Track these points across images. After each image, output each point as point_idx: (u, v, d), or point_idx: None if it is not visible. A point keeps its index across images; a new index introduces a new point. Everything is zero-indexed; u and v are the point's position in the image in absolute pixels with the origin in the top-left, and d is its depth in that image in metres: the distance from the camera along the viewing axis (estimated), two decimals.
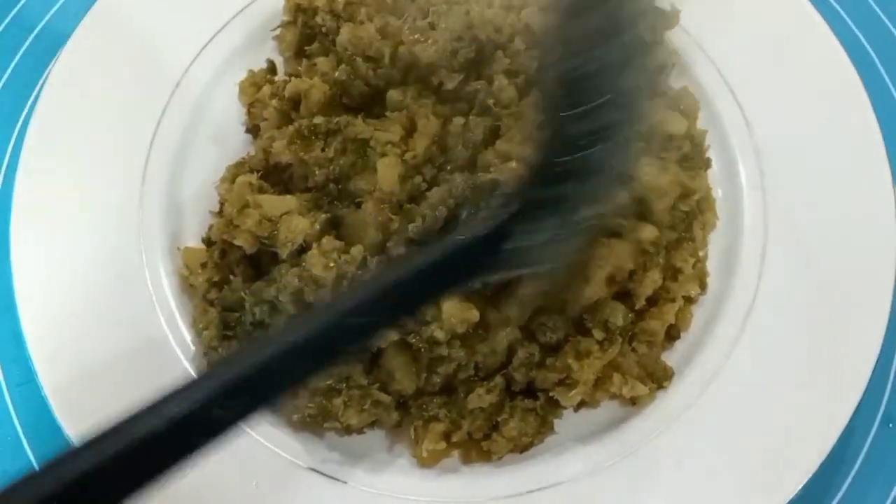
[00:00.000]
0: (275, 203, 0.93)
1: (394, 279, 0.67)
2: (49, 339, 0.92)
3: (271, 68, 1.12)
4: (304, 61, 1.06)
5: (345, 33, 1.01)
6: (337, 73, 1.00)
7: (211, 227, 1.00)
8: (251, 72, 1.11)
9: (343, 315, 0.64)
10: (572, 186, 0.67)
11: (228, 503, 0.88)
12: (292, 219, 0.92)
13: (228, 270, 0.97)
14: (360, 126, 0.96)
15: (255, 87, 1.09)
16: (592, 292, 0.88)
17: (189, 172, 1.05)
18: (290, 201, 0.94)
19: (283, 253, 0.92)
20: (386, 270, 0.72)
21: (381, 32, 1.01)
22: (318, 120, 0.97)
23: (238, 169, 1.01)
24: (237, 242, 0.93)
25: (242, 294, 0.92)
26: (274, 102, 1.05)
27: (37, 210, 0.98)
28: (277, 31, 1.13)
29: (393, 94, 0.98)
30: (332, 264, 0.88)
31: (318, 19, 1.07)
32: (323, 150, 0.96)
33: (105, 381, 0.92)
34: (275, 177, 0.99)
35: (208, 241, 1.00)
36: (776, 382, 0.92)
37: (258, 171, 0.99)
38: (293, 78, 1.04)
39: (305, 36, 1.10)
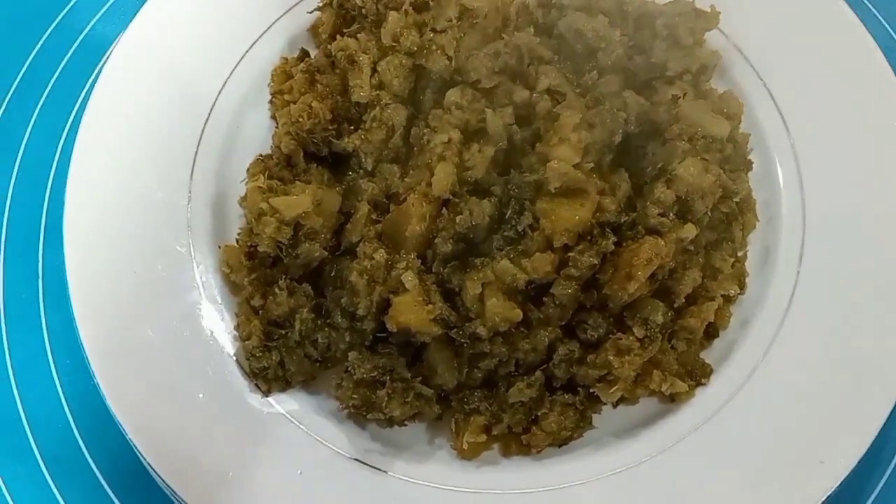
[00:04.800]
0: (290, 204, 0.95)
1: None
2: (101, 330, 0.95)
3: (302, 56, 1.13)
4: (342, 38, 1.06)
5: (390, 25, 1.03)
6: (380, 64, 1.02)
7: (239, 233, 1.02)
8: (284, 59, 1.13)
9: None
10: None
11: (274, 490, 0.90)
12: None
13: (264, 267, 0.98)
14: (400, 112, 0.99)
15: (285, 76, 1.11)
16: (634, 289, 0.89)
17: (234, 171, 1.07)
18: (304, 200, 0.95)
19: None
20: None
21: (421, 30, 1.03)
22: (364, 92, 1.00)
23: (256, 167, 1.03)
24: (261, 249, 0.96)
25: (294, 320, 0.95)
26: (301, 66, 1.06)
27: (88, 206, 1.00)
28: (314, 14, 1.14)
29: (452, 94, 0.99)
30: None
31: (358, 1, 1.08)
32: (361, 124, 0.99)
33: (155, 370, 0.94)
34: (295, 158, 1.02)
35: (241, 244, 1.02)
36: (813, 381, 0.93)
37: (275, 162, 1.01)
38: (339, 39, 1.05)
39: (342, 18, 1.11)
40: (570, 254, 0.90)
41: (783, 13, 1.11)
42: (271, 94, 1.12)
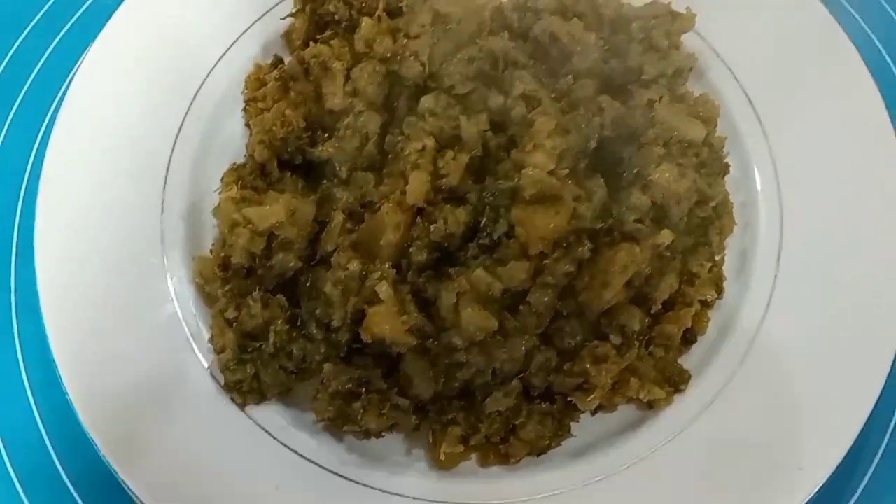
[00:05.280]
0: (263, 214, 0.94)
1: None
2: (73, 344, 0.93)
3: (276, 63, 1.12)
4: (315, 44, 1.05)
5: (363, 32, 1.02)
6: (354, 71, 1.01)
7: (213, 243, 1.01)
8: (258, 65, 1.12)
9: None
10: None
11: None
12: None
13: (239, 278, 0.97)
14: (374, 120, 0.98)
15: (259, 83, 1.10)
16: (610, 296, 0.89)
17: (209, 180, 1.06)
18: (278, 210, 0.94)
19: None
20: None
21: (394, 36, 1.02)
22: (337, 100, 0.99)
23: (230, 176, 1.02)
24: (234, 260, 0.95)
25: (268, 332, 0.94)
26: (275, 73, 1.05)
27: (60, 215, 0.99)
28: (288, 20, 1.13)
29: (426, 101, 0.97)
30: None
31: (331, 7, 1.07)
32: (335, 132, 0.98)
33: (129, 384, 0.93)
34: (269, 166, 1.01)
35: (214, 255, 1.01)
36: (792, 385, 0.92)
37: (248, 170, 1.00)
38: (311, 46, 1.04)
39: (315, 24, 1.10)
40: (546, 261, 0.89)
41: (760, 15, 1.10)
42: (245, 102, 1.10)
